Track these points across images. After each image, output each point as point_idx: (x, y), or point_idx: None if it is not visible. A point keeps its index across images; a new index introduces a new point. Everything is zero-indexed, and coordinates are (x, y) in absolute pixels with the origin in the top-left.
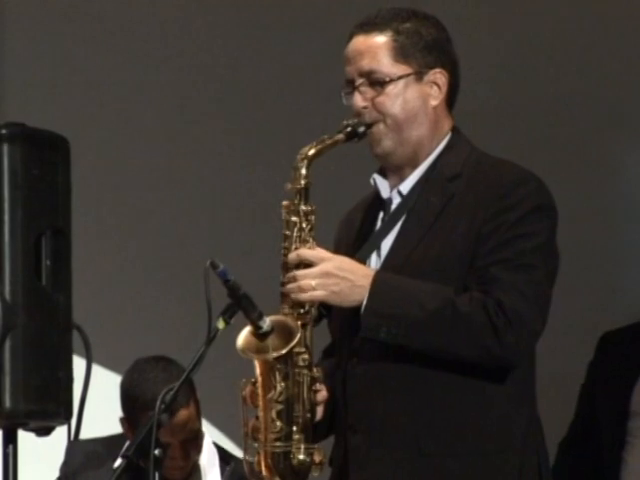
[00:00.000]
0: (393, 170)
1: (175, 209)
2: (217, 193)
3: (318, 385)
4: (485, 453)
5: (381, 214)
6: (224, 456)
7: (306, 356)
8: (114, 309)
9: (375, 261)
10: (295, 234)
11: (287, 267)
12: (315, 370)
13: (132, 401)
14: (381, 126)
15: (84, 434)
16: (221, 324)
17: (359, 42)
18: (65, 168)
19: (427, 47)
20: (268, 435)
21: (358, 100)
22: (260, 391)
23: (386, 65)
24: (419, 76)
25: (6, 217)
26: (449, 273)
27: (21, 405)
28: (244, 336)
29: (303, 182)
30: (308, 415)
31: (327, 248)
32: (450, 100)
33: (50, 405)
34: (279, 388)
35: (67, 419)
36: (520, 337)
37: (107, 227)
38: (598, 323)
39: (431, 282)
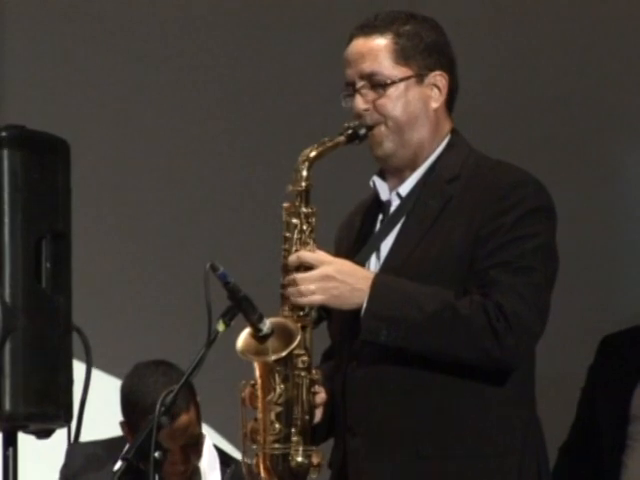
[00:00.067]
0: (392, 172)
1: (175, 211)
2: (217, 195)
3: (317, 387)
4: (484, 456)
5: (380, 216)
6: (224, 459)
7: (305, 358)
8: (114, 312)
9: (374, 263)
10: (295, 236)
11: (287, 269)
12: (314, 372)
13: (132, 405)
14: (382, 128)
15: (84, 437)
16: (221, 326)
17: (359, 44)
18: (65, 171)
19: (427, 49)
20: (267, 437)
21: (359, 102)
22: (259, 393)
23: (387, 67)
24: (420, 78)
25: (6, 220)
26: (448, 275)
27: (21, 408)
28: (244, 338)
29: (304, 184)
30: (307, 417)
31: (328, 251)
32: (449, 102)
33: (50, 408)
34: (279, 390)
35: (67, 422)
36: (520, 340)
37: (107, 229)
38: (598, 325)
39: (430, 284)
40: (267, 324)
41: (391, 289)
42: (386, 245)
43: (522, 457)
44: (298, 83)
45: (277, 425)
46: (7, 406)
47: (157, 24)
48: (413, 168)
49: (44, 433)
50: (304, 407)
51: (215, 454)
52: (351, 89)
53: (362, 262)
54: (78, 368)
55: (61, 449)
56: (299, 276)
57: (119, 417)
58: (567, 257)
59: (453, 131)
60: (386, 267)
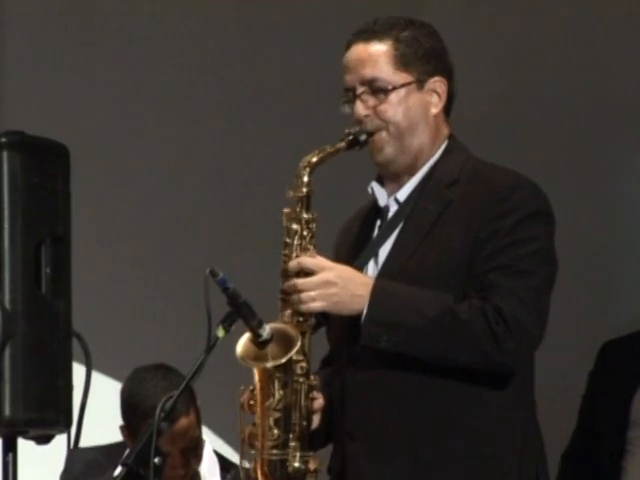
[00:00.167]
0: (391, 178)
1: (175, 216)
2: (217, 201)
3: (315, 393)
4: (483, 459)
5: (378, 222)
6: (224, 464)
7: (304, 364)
8: (114, 317)
9: (372, 268)
10: (296, 242)
11: (287, 275)
12: (312, 378)
13: (132, 409)
14: (383, 134)
15: (84, 442)
16: (221, 332)
17: (359, 50)
18: (65, 176)
19: (426, 55)
20: (265, 442)
21: (360, 108)
22: (258, 398)
23: (388, 73)
24: (420, 84)
25: (6, 225)
26: (447, 280)
27: (20, 413)
28: (243, 344)
29: (305, 190)
30: (305, 423)
31: (328, 256)
32: (447, 108)
33: (50, 413)
34: (277, 396)
35: (67, 427)
36: (520, 343)
37: (107, 234)
38: (598, 331)
39: (430, 289)
40: (267, 330)
41: (391, 295)
42: (384, 250)
43: (521, 461)
44: (300, 87)
45: (275, 431)
46: (7, 411)
47: (157, 25)
48: (411, 173)
49: (44, 439)
50: (302, 413)
51: (215, 459)
52: (351, 95)
53: (360, 268)
54: (78, 373)
55: (61, 454)
56: (300, 282)
57: (119, 422)
58: (567, 263)
59: (451, 136)
60: (384, 272)
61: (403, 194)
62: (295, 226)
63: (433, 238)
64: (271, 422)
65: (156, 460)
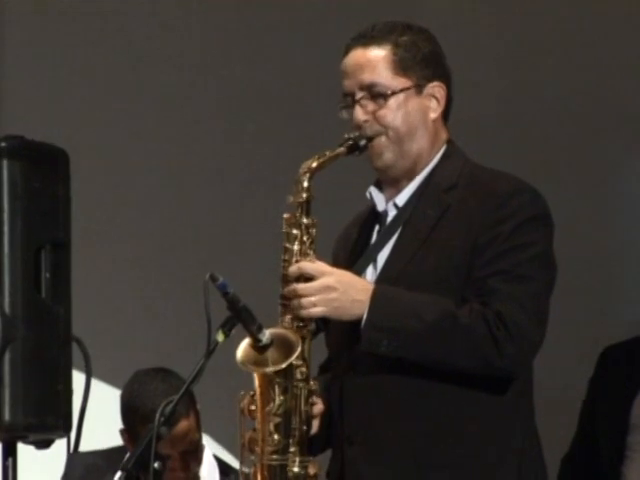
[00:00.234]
0: (390, 182)
1: (175, 221)
2: (217, 207)
3: (314, 398)
4: (482, 464)
5: (377, 227)
6: (224, 469)
7: (304, 369)
8: (113, 321)
9: (371, 274)
10: (296, 247)
11: (287, 280)
12: (312, 383)
13: (132, 413)
14: (383, 139)
15: (83, 447)
16: (220, 337)
17: (358, 55)
18: (65, 181)
19: (425, 60)
20: (265, 448)
21: (359, 113)
22: (258, 403)
23: (387, 78)
24: (419, 89)
25: (6, 229)
26: (446, 285)
27: (20, 418)
28: (244, 349)
29: (305, 195)
30: (304, 428)
31: (327, 262)
32: (445, 113)
33: (49, 418)
34: (278, 401)
35: (66, 432)
36: (520, 348)
37: (107, 239)
38: (598, 337)
39: (429, 294)
40: (266, 334)
41: (391, 300)
42: (383, 256)
43: (520, 466)
44: (300, 88)
45: (276, 436)
46: (6, 416)
47: (157, 25)
48: (410, 178)
49: (43, 443)
50: (302, 418)
51: (215, 464)
52: (350, 100)
53: (359, 273)
54: (78, 378)
55: (61, 459)
56: (300, 287)
57: (119, 427)
58: (566, 263)
59: (449, 141)
60: (383, 277)
61: (402, 199)
62: (295, 231)
63: (432, 243)
64: (271, 427)
65: (156, 465)
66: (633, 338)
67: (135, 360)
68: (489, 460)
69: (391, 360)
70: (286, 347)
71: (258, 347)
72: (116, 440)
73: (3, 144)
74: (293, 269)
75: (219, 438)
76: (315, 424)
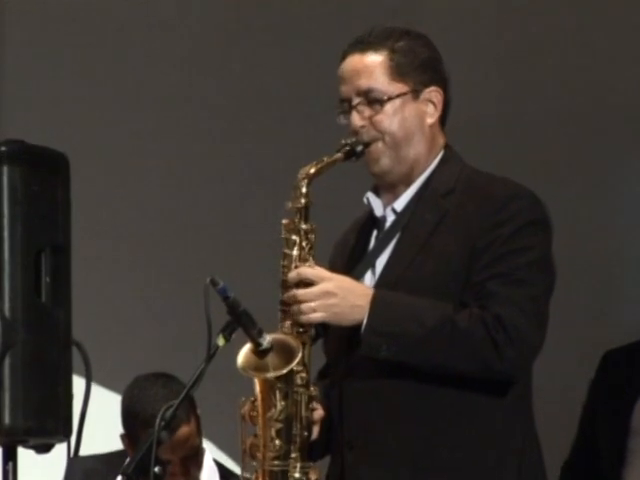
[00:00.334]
0: (387, 188)
1: (175, 226)
2: (217, 212)
3: (315, 404)
4: (482, 468)
5: (375, 232)
6: (225, 474)
7: (304, 374)
8: (114, 326)
9: (370, 279)
10: (295, 253)
11: (287, 285)
12: (312, 389)
13: (132, 417)
14: (379, 144)
15: (84, 451)
16: (221, 341)
17: (355, 61)
18: (65, 185)
19: (422, 65)
20: (267, 454)
21: (356, 119)
22: (259, 409)
23: (384, 84)
24: (415, 94)
25: (6, 233)
26: (444, 289)
27: (20, 422)
28: (244, 354)
29: (303, 201)
30: (305, 434)
31: (326, 267)
32: (442, 118)
33: (49, 422)
34: (279, 407)
35: (66, 436)
36: (520, 352)
37: (107, 243)
38: (598, 328)
39: (429, 298)
40: (267, 339)
41: (390, 305)
42: (381, 261)
43: (520, 466)
44: (299, 88)
45: (277, 442)
46: (6, 420)
47: (157, 26)
48: (408, 183)
49: (43, 447)
50: (303, 423)
51: (215, 469)
52: (346, 106)
53: (357, 278)
54: (78, 382)
55: (61, 463)
56: (299, 293)
57: (119, 431)
58: (567, 264)
59: (446, 146)
60: (381, 283)
61: (400, 204)
62: (294, 237)
63: (430, 248)
64: (273, 433)
65: (156, 469)
66: (634, 342)
67: (135, 364)
68: (489, 463)
69: (390, 365)
70: (287, 353)
71: (259, 352)
72: (116, 444)
73: (3, 149)
74: (292, 275)
75: (220, 443)
76: (315, 430)
